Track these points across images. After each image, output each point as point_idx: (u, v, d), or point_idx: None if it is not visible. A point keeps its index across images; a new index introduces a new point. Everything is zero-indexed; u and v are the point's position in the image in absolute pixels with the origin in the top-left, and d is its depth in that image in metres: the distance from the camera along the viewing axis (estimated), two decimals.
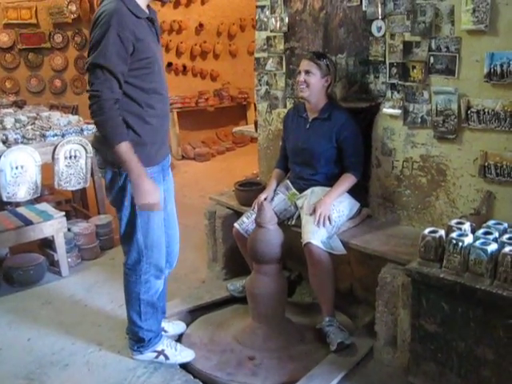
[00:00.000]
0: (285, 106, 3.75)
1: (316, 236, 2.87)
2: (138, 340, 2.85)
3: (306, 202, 3.08)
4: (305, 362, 2.83)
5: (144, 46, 2.43)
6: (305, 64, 3.10)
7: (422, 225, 3.01)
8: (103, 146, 2.55)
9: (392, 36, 3.00)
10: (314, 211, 2.95)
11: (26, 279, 3.87)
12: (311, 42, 3.49)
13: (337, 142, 3.09)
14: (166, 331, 3.05)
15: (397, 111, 3.06)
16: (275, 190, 3.30)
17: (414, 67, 2.93)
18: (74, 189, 4.61)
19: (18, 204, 4.35)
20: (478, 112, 2.68)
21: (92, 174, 4.53)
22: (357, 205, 3.16)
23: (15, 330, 3.30)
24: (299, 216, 3.14)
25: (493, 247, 2.20)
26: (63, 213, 4.08)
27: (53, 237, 3.97)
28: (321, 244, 2.87)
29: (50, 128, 4.51)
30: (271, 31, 3.71)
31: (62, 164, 4.32)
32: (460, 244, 2.26)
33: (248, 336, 3.01)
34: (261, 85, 3.91)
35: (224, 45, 8.86)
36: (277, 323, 3.02)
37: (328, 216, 2.94)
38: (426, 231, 2.42)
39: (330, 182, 3.13)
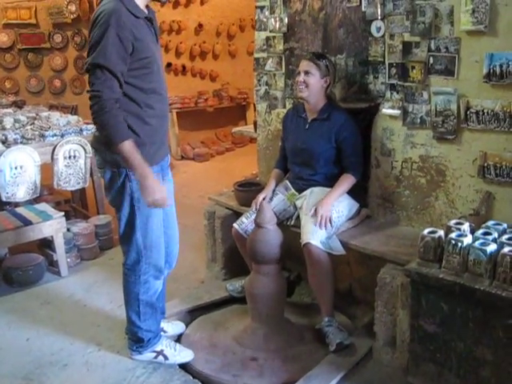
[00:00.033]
0: (284, 107, 3.75)
1: (315, 236, 2.87)
2: (137, 340, 2.85)
3: (305, 203, 3.08)
4: (304, 362, 2.83)
5: (143, 45, 2.43)
6: (304, 64, 3.10)
7: (421, 225, 3.01)
8: (102, 145, 2.55)
9: (391, 36, 3.00)
10: (316, 213, 2.95)
11: (26, 279, 3.87)
12: (310, 42, 3.49)
13: (336, 143, 3.10)
14: (165, 331, 3.05)
15: (396, 112, 3.06)
16: (274, 191, 3.30)
17: (413, 68, 2.93)
18: (73, 189, 4.61)
19: (17, 204, 4.35)
20: (477, 112, 2.68)
21: (91, 174, 4.52)
22: (356, 205, 3.16)
23: (14, 330, 3.30)
24: (298, 216, 3.14)
25: (492, 248, 2.20)
26: (62, 213, 4.08)
27: (52, 237, 3.97)
28: (320, 244, 2.87)
29: (50, 128, 4.51)
30: (271, 31, 3.71)
31: (61, 164, 4.31)
32: (459, 244, 2.26)
33: (247, 336, 3.01)
34: (260, 85, 3.91)
35: (223, 45, 8.87)
36: (276, 323, 3.02)
37: (329, 218, 2.94)
38: (426, 231, 2.42)
39: (330, 182, 3.13)
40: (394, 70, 3.03)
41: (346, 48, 3.28)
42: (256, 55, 3.90)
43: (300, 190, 3.20)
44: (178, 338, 3.12)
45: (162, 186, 2.51)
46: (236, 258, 3.56)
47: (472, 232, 2.38)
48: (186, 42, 8.41)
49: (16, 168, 4.04)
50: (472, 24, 2.61)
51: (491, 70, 2.57)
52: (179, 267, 3.21)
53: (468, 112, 2.71)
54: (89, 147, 4.28)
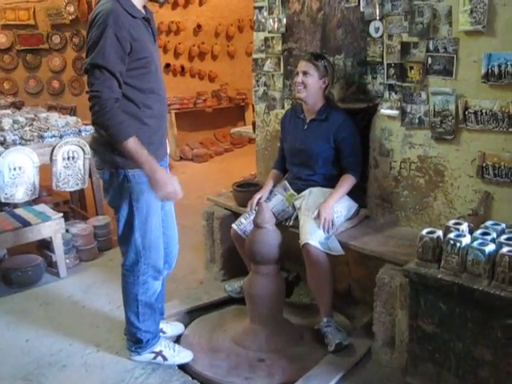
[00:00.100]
0: (283, 107, 3.75)
1: (314, 237, 2.87)
2: (135, 341, 2.85)
3: (304, 203, 3.08)
4: (303, 362, 2.83)
5: (141, 45, 2.43)
6: (302, 65, 3.10)
7: (419, 225, 3.01)
8: (101, 146, 2.55)
9: (390, 37, 3.00)
10: (319, 216, 2.94)
11: (24, 280, 3.87)
12: (309, 42, 3.49)
13: (335, 143, 3.10)
14: (164, 332, 3.05)
15: (394, 112, 3.06)
16: (272, 191, 3.30)
17: (411, 68, 2.93)
18: (71, 190, 4.60)
19: (15, 205, 4.34)
20: (475, 113, 2.68)
21: (90, 175, 4.52)
22: (355, 205, 3.16)
23: (13, 330, 3.30)
24: (297, 217, 3.14)
25: (490, 248, 2.20)
26: (61, 214, 4.07)
27: (51, 238, 3.97)
28: (319, 245, 2.87)
29: (48, 129, 4.50)
30: (269, 32, 3.71)
31: (59, 165, 4.31)
32: (458, 245, 2.26)
33: (246, 337, 3.01)
34: (259, 86, 3.91)
35: (222, 46, 8.87)
36: (275, 324, 3.02)
37: (332, 220, 2.95)
38: (424, 232, 2.42)
39: (328, 182, 3.13)
40: (392, 71, 3.03)
41: (345, 48, 3.28)
42: (254, 56, 3.90)
43: (299, 191, 3.20)
44: (177, 339, 3.12)
45: (173, 177, 2.50)
46: (235, 258, 3.56)
47: (471, 232, 2.38)
48: (184, 42, 8.42)
49: (15, 169, 4.04)
50: (470, 24, 2.61)
51: (489, 70, 2.57)
52: (178, 268, 3.21)
53: (466, 112, 2.71)
54: (87, 148, 4.27)
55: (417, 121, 2.97)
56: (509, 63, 2.50)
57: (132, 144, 2.38)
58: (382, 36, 3.05)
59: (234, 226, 3.27)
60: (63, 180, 4.36)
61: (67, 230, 4.19)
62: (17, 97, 7.72)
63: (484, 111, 2.64)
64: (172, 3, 8.05)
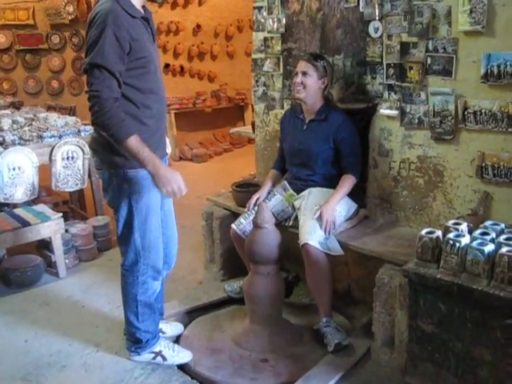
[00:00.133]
0: (282, 107, 3.75)
1: (313, 237, 2.87)
2: (135, 341, 2.85)
3: (303, 203, 3.08)
4: (302, 362, 2.83)
5: (140, 45, 2.42)
6: (302, 65, 3.10)
7: (419, 225, 3.02)
8: (100, 146, 2.55)
9: (389, 37, 3.01)
10: (321, 217, 2.94)
11: (24, 280, 3.86)
12: (308, 43, 3.49)
13: (334, 143, 3.10)
14: (163, 332, 3.05)
15: (394, 112, 3.06)
16: (270, 191, 3.30)
17: (411, 68, 2.93)
18: (71, 190, 4.60)
19: (15, 205, 4.34)
20: (474, 113, 2.68)
21: (89, 175, 4.51)
22: (354, 206, 3.16)
23: (12, 331, 3.30)
24: (297, 217, 3.13)
25: (490, 248, 2.20)
26: (60, 214, 4.07)
27: (50, 238, 3.97)
28: (318, 245, 2.87)
29: (47, 129, 4.50)
30: (268, 32, 3.71)
31: (59, 165, 4.31)
32: (457, 245, 2.26)
33: (246, 337, 3.01)
34: (258, 86, 3.91)
35: (221, 46, 8.87)
36: (274, 324, 3.02)
37: (333, 222, 2.95)
38: (423, 232, 2.42)
39: (328, 182, 3.13)
40: (391, 71, 3.03)
41: (344, 48, 3.28)
42: (254, 56, 3.90)
43: (298, 191, 3.20)
44: (177, 339, 3.12)
45: (176, 173, 2.49)
46: (234, 258, 3.56)
47: (470, 232, 2.38)
48: (184, 42, 8.41)
49: (14, 169, 4.04)
50: (470, 24, 2.61)
51: (489, 71, 2.57)
52: (177, 268, 3.21)
53: (466, 112, 2.71)
54: (87, 148, 4.27)
55: (416, 121, 2.97)
56: (508, 63, 2.50)
57: (134, 142, 2.37)
58: (381, 36, 3.05)
59: (233, 226, 3.27)
60: (62, 180, 4.36)
61: (67, 230, 4.19)
62: (16, 97, 7.72)
63: (483, 111, 2.64)
64: (171, 3, 8.05)
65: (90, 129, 4.41)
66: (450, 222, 2.46)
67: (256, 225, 2.95)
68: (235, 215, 3.53)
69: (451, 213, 2.90)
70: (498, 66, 2.54)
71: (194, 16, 8.47)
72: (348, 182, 3.06)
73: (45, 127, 4.55)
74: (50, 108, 6.74)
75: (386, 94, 3.10)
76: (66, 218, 4.35)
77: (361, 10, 3.13)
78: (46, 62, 8.28)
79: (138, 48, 2.42)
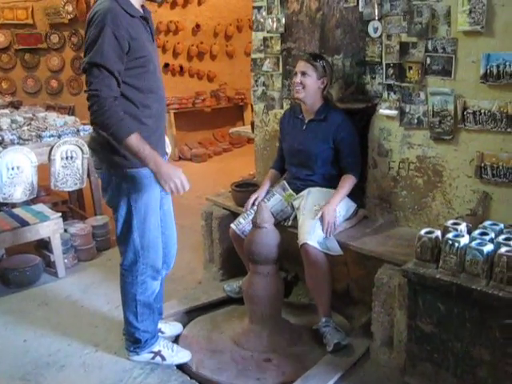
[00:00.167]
0: (281, 107, 3.75)
1: (312, 237, 2.87)
2: (134, 341, 2.84)
3: (302, 203, 3.08)
4: (301, 362, 2.83)
5: (139, 44, 2.42)
6: (301, 65, 3.10)
7: (418, 225, 3.02)
8: (100, 146, 2.55)
9: (388, 37, 3.00)
10: (322, 218, 2.93)
11: (23, 280, 3.86)
12: (308, 42, 3.49)
13: (334, 143, 3.10)
14: (162, 332, 3.05)
15: (393, 112, 3.06)
16: (269, 191, 3.30)
17: (410, 68, 2.93)
18: (70, 190, 4.60)
19: (14, 205, 4.34)
20: (474, 113, 2.68)
21: (88, 175, 4.51)
22: (353, 206, 3.16)
23: (11, 331, 3.30)
24: (296, 217, 3.14)
25: (489, 248, 2.21)
26: (59, 214, 4.06)
27: (49, 238, 3.96)
28: (317, 245, 2.87)
29: (47, 129, 4.49)
30: (268, 32, 3.71)
31: (58, 165, 4.31)
32: (456, 245, 2.26)
33: (246, 338, 3.01)
34: (257, 85, 3.91)
35: (221, 45, 8.86)
36: (273, 324, 3.02)
37: (334, 223, 2.96)
38: (423, 232, 2.43)
39: (327, 182, 3.13)
40: (391, 71, 3.03)
41: (343, 48, 3.28)
42: (253, 56, 3.90)
43: (297, 191, 3.20)
44: (176, 339, 3.12)
45: (178, 169, 2.48)
46: (233, 258, 3.56)
47: (469, 232, 2.38)
48: (183, 42, 8.41)
49: (13, 169, 4.03)
50: (469, 24, 2.62)
51: (488, 71, 2.57)
52: (177, 268, 3.21)
53: (465, 112, 2.71)
54: (86, 148, 4.27)
55: (415, 121, 2.97)
56: (507, 63, 2.50)
57: (134, 141, 2.36)
58: (380, 36, 3.05)
59: (232, 225, 3.27)
60: (61, 180, 4.36)
61: (65, 230, 4.19)
62: (15, 96, 7.72)
63: (482, 111, 2.64)
64: (171, 3, 8.04)
65: (89, 128, 4.41)
66: (449, 222, 2.46)
67: (255, 225, 2.94)
68: (234, 215, 3.53)
69: (450, 213, 2.90)
70: (498, 66, 2.54)
71: (193, 16, 8.46)
72: (348, 183, 3.06)
73: (44, 127, 4.54)
74: (49, 107, 6.73)
75: (385, 94, 3.10)
76: (64, 217, 4.35)
77: (360, 9, 3.13)
78: (45, 61, 8.27)
79: (137, 47, 2.41)
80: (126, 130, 2.35)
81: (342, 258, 3.13)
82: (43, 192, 4.99)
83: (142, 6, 2.56)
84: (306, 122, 3.20)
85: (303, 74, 3.07)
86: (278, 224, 3.16)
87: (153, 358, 2.86)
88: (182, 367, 2.88)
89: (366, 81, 3.19)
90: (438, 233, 2.40)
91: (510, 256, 2.11)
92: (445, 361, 2.36)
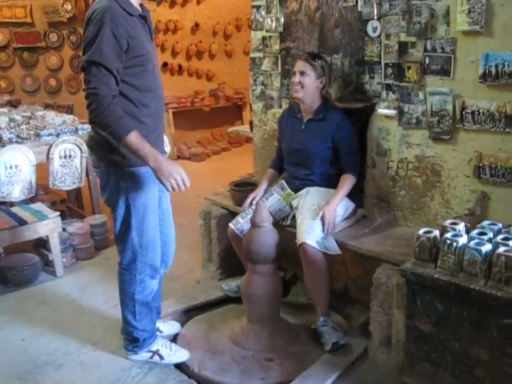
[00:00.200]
0: (280, 106, 3.75)
1: (311, 236, 2.87)
2: (132, 340, 2.84)
3: (301, 202, 3.08)
4: (299, 361, 2.83)
5: (137, 43, 2.42)
6: (300, 65, 3.10)
7: (416, 225, 3.02)
8: (98, 145, 2.54)
9: (387, 36, 3.00)
10: (323, 218, 2.93)
11: (21, 279, 3.86)
12: (307, 42, 3.49)
13: (333, 143, 3.10)
14: (160, 331, 3.05)
15: (392, 112, 3.06)
16: (267, 190, 3.30)
17: (409, 68, 2.93)
18: (68, 188, 4.59)
19: (12, 204, 4.33)
20: (472, 113, 2.68)
21: (87, 174, 4.51)
22: (352, 205, 3.17)
23: (9, 330, 3.29)
24: (294, 216, 3.14)
25: (487, 248, 2.21)
26: (58, 213, 4.06)
27: (47, 237, 3.96)
28: (316, 244, 2.87)
29: (45, 127, 4.49)
30: (267, 31, 3.71)
31: (56, 164, 4.30)
32: (454, 244, 2.26)
33: (244, 337, 3.01)
34: (256, 85, 3.91)
35: (220, 45, 8.86)
36: (272, 323, 3.02)
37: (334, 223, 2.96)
38: (421, 231, 2.42)
39: (326, 182, 3.13)
40: (389, 70, 3.03)
41: (342, 48, 3.28)
42: (252, 55, 3.90)
43: (296, 190, 3.20)
44: (174, 338, 3.11)
45: (178, 166, 2.47)
46: (232, 257, 3.56)
47: (467, 232, 2.38)
48: (182, 41, 8.40)
49: (11, 167, 4.02)
50: (468, 24, 2.62)
51: (487, 71, 2.57)
52: (175, 267, 3.21)
53: (464, 112, 2.72)
54: (84, 147, 4.26)
55: (414, 121, 2.97)
56: (506, 63, 2.50)
57: (134, 139, 2.35)
58: (379, 36, 3.05)
59: (231, 225, 3.27)
60: (60, 179, 4.35)
61: (64, 229, 4.18)
62: (13, 95, 7.70)
63: (481, 111, 2.65)
64: (170, 2, 8.03)
65: (87, 127, 4.40)
66: (448, 222, 2.46)
67: (254, 224, 2.94)
68: (233, 214, 3.53)
69: (449, 212, 2.90)
70: (496, 66, 2.54)
71: (192, 15, 8.46)
72: (348, 182, 3.06)
73: (42, 125, 4.54)
74: (47, 106, 6.72)
75: (384, 94, 3.10)
76: (63, 216, 4.34)
77: (359, 9, 3.13)
78: (44, 60, 8.26)
79: (136, 46, 2.41)
80: (125, 128, 2.34)
81: (340, 257, 3.13)
82: (41, 191, 4.98)
83: (141, 5, 2.56)
84: (305, 121, 3.20)
85: (302, 73, 3.07)
86: (277, 223, 3.15)
87: (151, 357, 2.85)
88: (181, 368, 2.87)
89: (364, 80, 3.19)
90: (437, 232, 2.40)
91: (509, 256, 2.12)
92: (443, 360, 2.36)
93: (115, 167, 2.53)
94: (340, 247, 2.95)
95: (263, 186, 3.35)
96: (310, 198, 3.07)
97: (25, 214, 3.98)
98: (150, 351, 2.85)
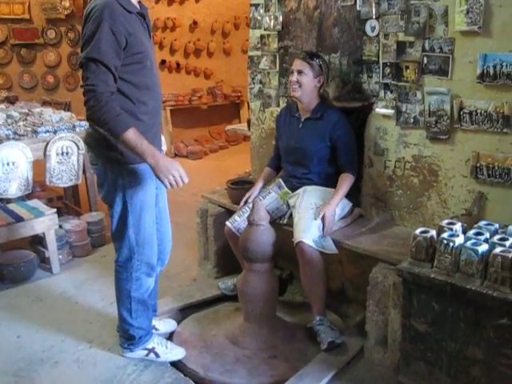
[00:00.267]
0: (278, 105, 3.75)
1: (308, 235, 2.87)
2: (128, 338, 2.84)
3: (298, 201, 3.08)
4: (295, 360, 2.83)
5: (136, 40, 2.42)
6: (297, 64, 3.10)
7: (413, 225, 3.02)
8: (96, 142, 2.54)
9: (386, 36, 3.01)
10: (323, 219, 2.93)
11: (17, 276, 3.85)
12: (305, 40, 3.49)
13: (330, 142, 3.09)
14: (156, 329, 3.05)
15: (390, 111, 3.06)
16: (266, 189, 3.30)
17: (407, 67, 2.93)
18: (65, 185, 4.58)
19: (8, 200, 4.32)
20: (470, 113, 2.68)
21: (84, 171, 4.50)
22: (349, 204, 3.17)
23: (5, 326, 3.29)
24: (291, 215, 3.14)
25: (484, 248, 2.21)
26: (54, 210, 4.06)
27: (44, 234, 3.95)
28: (312, 243, 2.87)
29: (42, 124, 4.48)
30: (265, 30, 3.71)
31: (53, 160, 4.29)
32: (451, 244, 2.26)
33: (240, 335, 3.01)
34: (254, 83, 3.91)
35: (218, 43, 8.86)
36: (268, 322, 3.02)
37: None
38: (418, 231, 2.43)
39: (324, 181, 3.14)
40: (387, 70, 3.03)
41: (341, 47, 3.28)
42: (250, 53, 3.90)
43: (293, 189, 3.20)
44: (170, 336, 3.11)
45: (176, 162, 2.46)
46: (228, 256, 3.56)
47: (464, 232, 2.38)
48: (180, 39, 8.40)
49: (8, 164, 4.02)
50: (466, 24, 2.62)
51: (485, 71, 2.57)
52: (171, 265, 3.21)
53: (461, 112, 2.72)
54: (82, 144, 4.26)
55: (412, 120, 2.97)
56: (504, 64, 2.50)
57: (131, 135, 2.35)
58: (378, 35, 3.05)
59: (227, 223, 3.26)
60: (57, 175, 4.35)
61: (60, 226, 4.18)
62: (11, 91, 7.67)
63: (479, 111, 2.65)
64: None
65: (85, 124, 4.40)
66: (445, 222, 2.46)
67: (251, 222, 2.94)
68: (230, 212, 3.53)
69: (445, 212, 2.90)
70: (494, 67, 2.54)
71: (190, 12, 8.46)
72: (346, 182, 3.06)
73: (39, 122, 4.53)
74: (45, 103, 6.71)
75: (381, 93, 3.10)
76: (59, 213, 4.34)
77: (358, 8, 3.13)
78: (42, 56, 8.24)
79: (134, 43, 2.41)
80: (123, 125, 2.34)
81: (336, 256, 3.13)
82: (38, 188, 4.98)
83: (139, 2, 2.56)
84: (303, 120, 3.20)
85: (299, 72, 3.07)
86: (274, 222, 3.16)
87: (147, 354, 2.85)
88: (175, 364, 2.87)
89: (362, 80, 3.19)
90: (433, 232, 2.40)
91: (505, 256, 2.12)
92: (439, 360, 2.37)
93: (113, 164, 2.52)
94: (337, 246, 2.95)
95: (259, 184, 3.35)
96: (307, 197, 3.07)
97: (21, 211, 3.98)
98: (146, 349, 2.85)
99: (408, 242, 2.49)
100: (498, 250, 2.17)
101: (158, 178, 2.42)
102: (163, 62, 8.11)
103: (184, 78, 8.59)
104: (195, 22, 8.48)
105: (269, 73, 3.77)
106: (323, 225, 2.91)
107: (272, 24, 3.64)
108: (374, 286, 2.71)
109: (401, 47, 2.93)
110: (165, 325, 3.15)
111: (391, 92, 3.05)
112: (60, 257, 4.08)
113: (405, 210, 3.12)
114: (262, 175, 3.42)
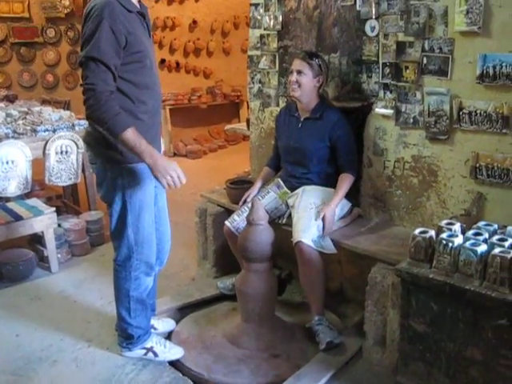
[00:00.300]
0: (277, 105, 3.75)
1: (307, 235, 2.87)
2: (126, 337, 2.84)
3: (297, 201, 3.08)
4: (294, 360, 2.83)
5: (136, 39, 2.41)
6: (297, 64, 3.09)
7: (412, 225, 3.02)
8: (95, 140, 2.54)
9: (385, 36, 3.00)
10: (324, 219, 2.93)
11: (16, 275, 3.85)
12: (305, 40, 3.48)
13: (330, 142, 3.09)
14: (155, 328, 3.05)
15: (389, 111, 3.06)
16: (265, 189, 3.30)
17: (406, 67, 2.93)
18: (64, 184, 4.59)
19: (8, 199, 4.32)
20: (469, 113, 2.68)
21: (83, 170, 4.50)
22: (348, 204, 3.17)
23: (4, 325, 3.28)
24: (290, 215, 3.13)
25: (482, 248, 2.21)
26: (53, 208, 4.05)
27: (43, 232, 3.95)
28: (311, 243, 2.87)
29: (42, 123, 4.48)
30: (265, 29, 3.71)
31: (52, 159, 4.29)
32: (450, 245, 2.26)
33: (239, 335, 3.01)
34: (254, 83, 3.91)
35: (217, 42, 8.86)
36: (266, 322, 3.02)
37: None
38: (417, 231, 2.43)
39: (323, 180, 3.13)
40: (387, 70, 3.03)
41: (340, 47, 3.28)
42: (250, 53, 3.89)
43: (293, 189, 3.20)
44: (168, 335, 3.11)
45: (174, 163, 2.46)
46: (227, 255, 3.56)
47: (463, 232, 2.38)
48: (180, 38, 8.40)
49: (7, 163, 4.01)
50: (466, 25, 2.62)
51: (484, 71, 2.57)
52: (170, 264, 3.21)
53: (461, 113, 2.72)
54: (81, 142, 4.26)
55: (411, 120, 2.97)
56: (504, 64, 2.51)
57: (130, 135, 2.35)
58: (377, 35, 3.05)
59: (226, 222, 3.26)
60: (56, 174, 4.34)
61: (59, 225, 4.18)
62: (10, 90, 7.66)
63: (478, 112, 2.65)
64: None
65: (84, 123, 4.39)
66: (444, 222, 2.46)
67: (250, 222, 2.94)
68: (229, 212, 3.53)
69: (444, 213, 2.90)
70: (494, 67, 2.54)
71: (190, 12, 8.46)
72: (346, 182, 3.06)
73: (39, 121, 4.53)
74: (44, 102, 6.70)
75: (381, 93, 3.10)
76: (58, 212, 4.34)
77: (357, 8, 3.12)
78: (41, 55, 8.22)
79: (134, 42, 2.41)
80: (122, 125, 2.34)
81: (335, 256, 3.13)
82: (37, 186, 4.98)
83: (139, 1, 2.56)
84: (302, 120, 3.20)
85: (299, 72, 3.07)
86: (273, 222, 3.16)
87: (145, 354, 2.85)
88: (174, 363, 2.87)
89: (362, 80, 3.19)
90: (432, 233, 2.40)
91: (504, 257, 2.12)
92: (437, 360, 2.37)
93: (112, 163, 2.52)
94: (336, 246, 2.95)
95: (258, 184, 3.35)
96: (306, 197, 3.07)
97: (20, 210, 3.98)
98: (145, 348, 2.85)
99: (407, 242, 2.49)
100: (496, 250, 2.17)
101: (156, 178, 2.43)
102: (163, 61, 8.11)
103: (183, 77, 8.59)
104: (195, 22, 8.48)
105: (268, 72, 3.77)
106: (323, 225, 2.91)
107: (272, 24, 3.63)
108: (373, 286, 2.71)
109: (400, 47, 2.93)
110: (163, 324, 3.15)
111: (391, 92, 3.04)
112: (59, 256, 4.08)
113: (404, 210, 3.12)
114: (261, 175, 3.42)
